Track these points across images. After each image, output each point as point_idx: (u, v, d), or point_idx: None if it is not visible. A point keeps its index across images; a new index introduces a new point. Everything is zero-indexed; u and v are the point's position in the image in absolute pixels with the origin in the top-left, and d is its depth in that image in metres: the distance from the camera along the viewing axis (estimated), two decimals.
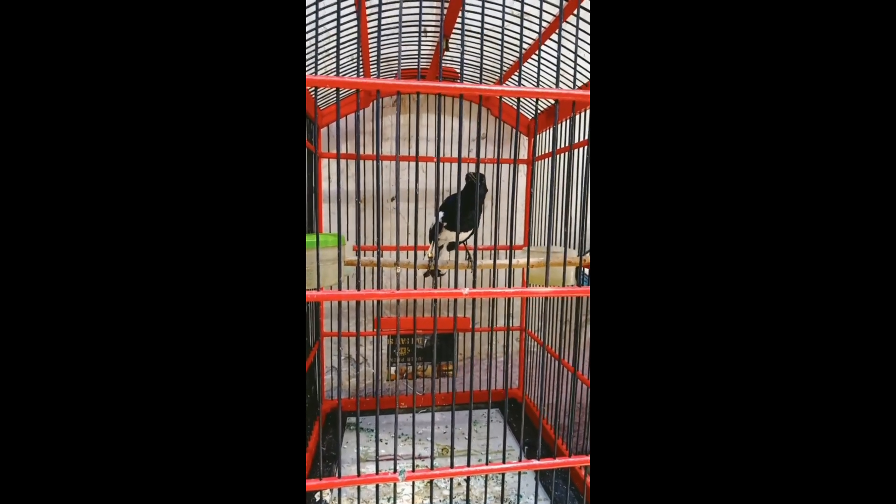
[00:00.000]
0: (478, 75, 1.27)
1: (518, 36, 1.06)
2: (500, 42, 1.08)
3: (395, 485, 0.86)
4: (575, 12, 0.83)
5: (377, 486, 0.88)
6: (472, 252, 1.01)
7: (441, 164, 1.31)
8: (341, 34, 1.01)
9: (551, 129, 1.15)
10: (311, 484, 0.64)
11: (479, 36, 1.08)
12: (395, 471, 0.69)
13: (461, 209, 0.81)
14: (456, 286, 0.64)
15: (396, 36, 1.06)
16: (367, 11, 0.99)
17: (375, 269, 0.95)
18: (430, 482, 0.85)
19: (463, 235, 0.96)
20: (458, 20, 1.03)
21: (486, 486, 0.86)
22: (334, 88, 0.79)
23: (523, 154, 1.41)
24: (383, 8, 0.92)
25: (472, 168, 1.19)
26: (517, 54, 1.09)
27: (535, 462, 0.73)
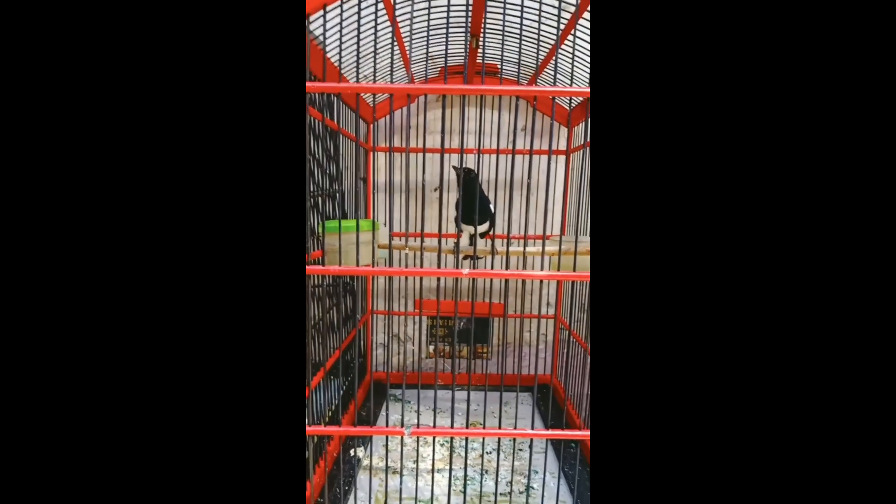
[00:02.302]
0: (516, 70, 1.31)
1: (555, 28, 1.09)
2: (536, 36, 1.12)
3: (417, 445, 0.96)
4: None
5: (401, 449, 0.99)
6: (498, 241, 1.07)
7: (481, 155, 1.37)
8: (379, 38, 1.10)
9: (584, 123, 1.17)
10: (313, 429, 0.74)
11: (517, 32, 1.13)
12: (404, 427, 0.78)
13: (465, 206, 0.86)
14: (457, 267, 0.71)
15: (438, 36, 1.14)
16: (415, 14, 1.07)
17: (417, 252, 1.05)
18: (451, 450, 0.94)
19: (483, 227, 1.03)
20: (500, 15, 1.09)
21: (498, 453, 0.93)
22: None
23: (563, 144, 1.43)
24: (428, 8, 1.00)
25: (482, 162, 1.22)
26: (554, 40, 1.12)
27: (535, 430, 0.79)
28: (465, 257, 1.10)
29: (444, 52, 1.25)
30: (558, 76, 1.23)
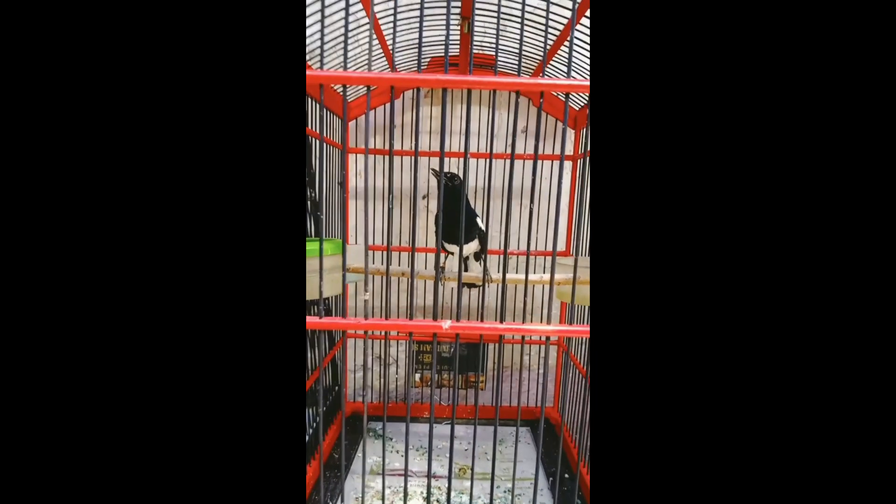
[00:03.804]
0: (515, 63, 1.14)
1: (565, 9, 0.92)
2: (539, 20, 0.95)
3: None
4: None
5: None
6: (493, 266, 0.91)
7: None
8: (360, 21, 0.93)
9: None
10: None
11: (517, 15, 0.96)
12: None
13: (446, 221, 0.72)
14: (435, 318, 0.55)
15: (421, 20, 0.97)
16: None
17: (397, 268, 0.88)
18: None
19: (472, 247, 0.86)
20: None
21: None
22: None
23: (569, 149, 1.26)
24: None
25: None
26: (563, 24, 0.95)
27: None
28: (465, 285, 0.94)
29: (434, 39, 1.08)
30: (564, 68, 1.06)
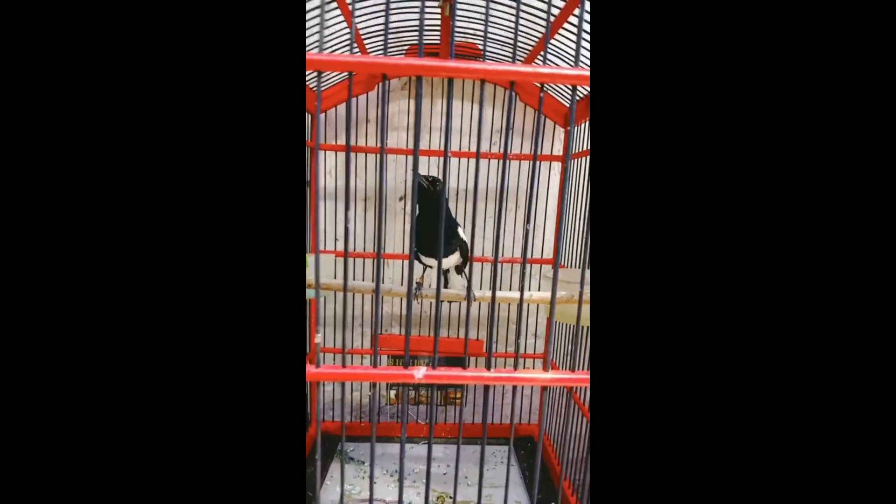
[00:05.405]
0: (504, 52, 1.05)
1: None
2: (531, 5, 0.85)
3: None
4: None
5: None
6: (478, 273, 0.81)
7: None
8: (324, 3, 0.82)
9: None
10: None
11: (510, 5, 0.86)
12: None
13: (423, 230, 0.64)
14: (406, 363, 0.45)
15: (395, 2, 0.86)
16: None
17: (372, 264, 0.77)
18: None
19: (452, 260, 0.76)
20: None
21: None
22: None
23: (557, 149, 1.17)
24: None
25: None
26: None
27: None
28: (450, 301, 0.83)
29: (412, 24, 0.97)
30: (557, 58, 0.97)
